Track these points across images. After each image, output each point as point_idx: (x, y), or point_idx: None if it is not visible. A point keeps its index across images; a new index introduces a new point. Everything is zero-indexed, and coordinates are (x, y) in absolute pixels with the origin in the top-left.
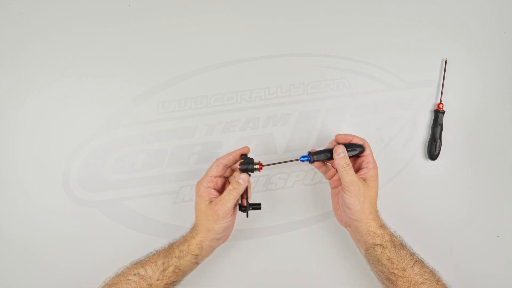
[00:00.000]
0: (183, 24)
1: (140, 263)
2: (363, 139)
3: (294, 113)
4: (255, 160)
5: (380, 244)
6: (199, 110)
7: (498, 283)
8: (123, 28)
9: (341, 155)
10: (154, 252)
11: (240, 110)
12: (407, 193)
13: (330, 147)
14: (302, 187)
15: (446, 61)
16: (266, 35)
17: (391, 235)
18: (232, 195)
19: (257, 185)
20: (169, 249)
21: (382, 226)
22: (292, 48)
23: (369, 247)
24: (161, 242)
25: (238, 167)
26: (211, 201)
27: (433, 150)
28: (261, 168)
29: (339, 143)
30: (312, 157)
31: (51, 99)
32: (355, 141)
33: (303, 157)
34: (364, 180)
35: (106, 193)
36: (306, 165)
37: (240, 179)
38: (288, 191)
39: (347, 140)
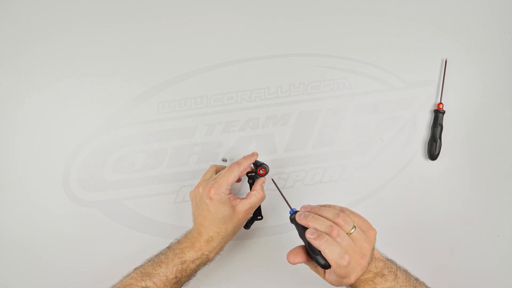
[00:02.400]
0: (183, 24)
1: (147, 275)
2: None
3: (294, 113)
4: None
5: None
6: (199, 110)
7: (498, 283)
8: (123, 28)
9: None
10: (158, 261)
11: (240, 110)
12: (407, 193)
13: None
14: (302, 187)
15: (446, 61)
16: (266, 35)
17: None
18: (259, 199)
19: None
20: (182, 263)
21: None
22: (292, 48)
23: None
24: (161, 242)
25: (262, 173)
26: (234, 206)
27: (433, 150)
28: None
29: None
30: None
31: (51, 99)
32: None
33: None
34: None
35: (106, 193)
36: (306, 164)
37: (264, 184)
38: (288, 191)
39: None
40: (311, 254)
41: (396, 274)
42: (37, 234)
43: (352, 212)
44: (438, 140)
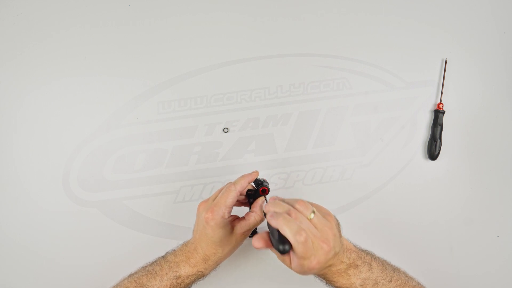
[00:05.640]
0: (183, 24)
1: (142, 286)
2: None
3: (294, 113)
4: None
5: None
6: (199, 110)
7: (498, 283)
8: (123, 28)
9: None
10: (152, 272)
11: (240, 110)
12: (407, 193)
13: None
14: (302, 187)
15: (446, 61)
16: (266, 35)
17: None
18: (258, 220)
19: None
20: (177, 278)
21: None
22: (292, 48)
23: None
24: (161, 242)
25: (264, 193)
26: (232, 227)
27: (433, 150)
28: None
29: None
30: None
31: (51, 98)
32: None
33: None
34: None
35: (106, 193)
36: (306, 164)
37: (264, 204)
38: (288, 191)
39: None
40: (272, 239)
41: (371, 264)
42: (37, 234)
43: (309, 202)
44: (438, 140)
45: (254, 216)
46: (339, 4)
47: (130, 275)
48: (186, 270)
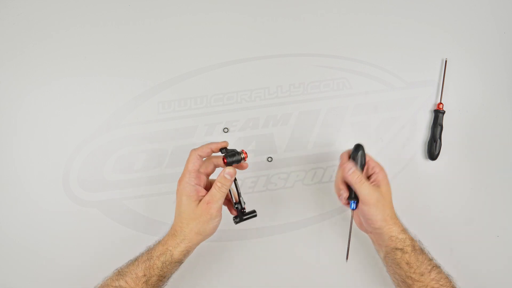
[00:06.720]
0: (183, 24)
1: (121, 274)
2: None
3: (294, 113)
4: (237, 151)
5: (401, 249)
6: (199, 110)
7: (498, 283)
8: (123, 28)
9: (350, 171)
10: (134, 260)
11: (240, 110)
12: (407, 193)
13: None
14: (302, 187)
15: (446, 61)
16: (266, 35)
17: (412, 240)
18: (222, 191)
19: (257, 185)
20: (149, 259)
21: (404, 230)
22: (292, 48)
23: (390, 251)
24: None
25: (224, 161)
26: (200, 200)
27: (433, 150)
28: (247, 157)
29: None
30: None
31: (51, 98)
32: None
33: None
34: (377, 186)
35: (106, 193)
36: (306, 164)
37: (227, 174)
38: (288, 191)
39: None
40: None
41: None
42: (37, 234)
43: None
44: (438, 140)
45: (214, 186)
46: (339, 4)
47: (117, 268)
48: (158, 249)
